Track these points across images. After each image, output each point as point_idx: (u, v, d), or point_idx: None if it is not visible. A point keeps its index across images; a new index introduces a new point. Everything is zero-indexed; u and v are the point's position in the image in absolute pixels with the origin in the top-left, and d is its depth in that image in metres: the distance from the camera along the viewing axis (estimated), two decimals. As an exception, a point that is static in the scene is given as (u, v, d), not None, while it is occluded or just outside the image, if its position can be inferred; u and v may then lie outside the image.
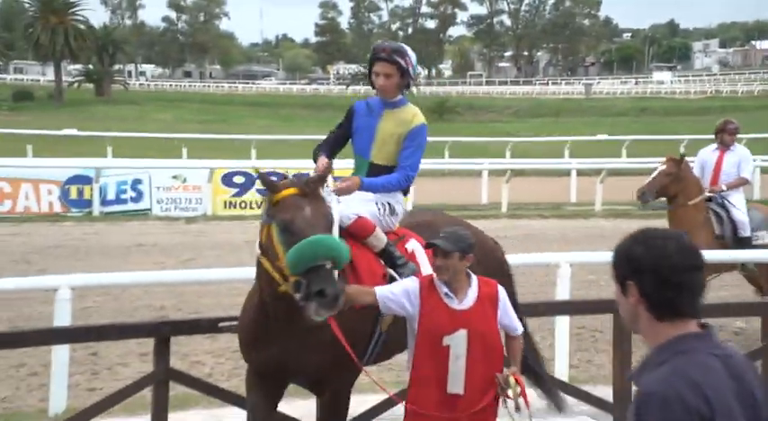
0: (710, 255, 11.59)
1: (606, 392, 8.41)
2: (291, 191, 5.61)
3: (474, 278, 5.81)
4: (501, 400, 5.81)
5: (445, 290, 5.71)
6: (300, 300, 5.30)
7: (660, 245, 3.38)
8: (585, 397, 8.37)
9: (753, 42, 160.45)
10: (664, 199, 12.41)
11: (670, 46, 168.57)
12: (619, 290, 3.47)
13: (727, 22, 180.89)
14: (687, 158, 12.83)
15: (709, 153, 12.96)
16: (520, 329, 6.01)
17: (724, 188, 12.42)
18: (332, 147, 6.77)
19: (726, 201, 12.36)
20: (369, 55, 6.93)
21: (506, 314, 5.88)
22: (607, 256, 11.62)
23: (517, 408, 5.73)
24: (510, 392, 5.68)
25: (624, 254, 3.47)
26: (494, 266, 6.89)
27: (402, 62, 6.57)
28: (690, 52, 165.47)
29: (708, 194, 12.40)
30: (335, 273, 5.35)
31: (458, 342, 5.63)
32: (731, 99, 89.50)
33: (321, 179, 5.89)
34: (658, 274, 3.30)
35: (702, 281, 3.42)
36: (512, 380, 5.69)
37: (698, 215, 12.13)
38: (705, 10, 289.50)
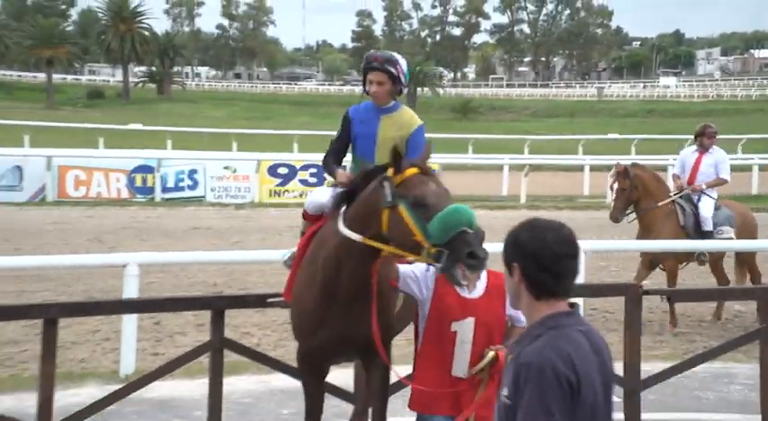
0: (674, 245, 11.98)
1: (616, 367, 8.22)
2: (414, 170, 5.38)
3: (484, 271, 5.49)
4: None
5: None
6: (442, 269, 5.07)
7: (542, 234, 3.53)
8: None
9: (751, 51, 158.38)
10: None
11: (675, 54, 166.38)
12: (506, 270, 3.59)
13: (728, 32, 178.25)
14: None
15: (689, 154, 13.04)
16: (522, 321, 5.40)
17: (704, 187, 12.50)
18: (339, 158, 6.58)
19: (695, 199, 12.51)
20: (362, 64, 6.75)
21: (508, 309, 5.57)
22: (617, 245, 11.73)
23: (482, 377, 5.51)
24: (483, 363, 5.45)
25: (512, 239, 3.60)
26: None
27: (393, 70, 6.43)
28: (693, 59, 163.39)
29: (683, 192, 12.54)
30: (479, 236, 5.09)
31: (465, 328, 5.47)
32: (731, 102, 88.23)
33: (425, 157, 5.65)
34: (538, 259, 3.46)
35: (575, 267, 3.55)
36: (492, 354, 5.43)
37: (665, 210, 12.28)
38: (708, 21, 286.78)
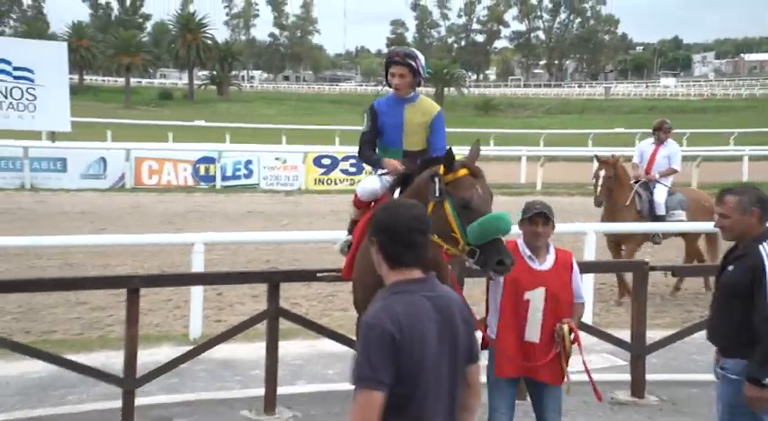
0: (633, 227, 12.04)
1: (624, 334, 8.29)
2: (464, 171, 5.37)
3: (552, 246, 5.62)
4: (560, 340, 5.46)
5: (528, 253, 5.52)
6: (474, 264, 5.18)
7: (395, 212, 3.68)
8: (607, 337, 8.26)
9: (742, 55, 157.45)
10: None
11: (674, 57, 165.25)
12: (370, 242, 3.71)
13: (722, 38, 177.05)
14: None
15: (647, 145, 13.23)
16: (583, 298, 5.76)
17: (657, 176, 12.63)
18: (374, 148, 6.46)
19: (651, 187, 12.60)
20: (384, 60, 6.67)
21: (576, 282, 5.65)
22: (623, 227, 11.51)
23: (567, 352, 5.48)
24: (565, 340, 5.44)
25: (373, 216, 3.81)
26: None
27: (413, 64, 6.35)
28: (690, 62, 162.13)
29: (641, 181, 12.63)
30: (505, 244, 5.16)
31: (537, 297, 5.43)
32: (723, 101, 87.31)
33: (475, 157, 5.65)
34: (390, 234, 3.58)
35: (424, 241, 3.64)
36: (566, 328, 5.43)
37: (627, 202, 12.31)
38: (704, 28, 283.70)
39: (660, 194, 12.54)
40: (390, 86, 6.43)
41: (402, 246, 3.62)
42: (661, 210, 12.39)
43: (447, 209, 5.27)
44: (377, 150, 6.45)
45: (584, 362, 5.62)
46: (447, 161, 5.38)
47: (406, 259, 3.63)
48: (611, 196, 12.47)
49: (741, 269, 5.15)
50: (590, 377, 5.63)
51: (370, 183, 6.38)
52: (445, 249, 5.37)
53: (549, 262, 5.56)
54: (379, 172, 6.34)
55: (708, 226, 11.48)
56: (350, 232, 6.47)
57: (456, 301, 3.71)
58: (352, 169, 26.02)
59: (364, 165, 6.67)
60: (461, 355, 3.66)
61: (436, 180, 5.35)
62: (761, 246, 5.08)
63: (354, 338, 6.66)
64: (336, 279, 6.60)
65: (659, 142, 13.03)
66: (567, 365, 5.51)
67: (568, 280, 5.58)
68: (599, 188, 12.53)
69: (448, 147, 5.56)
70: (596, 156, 13.91)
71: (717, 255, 12.11)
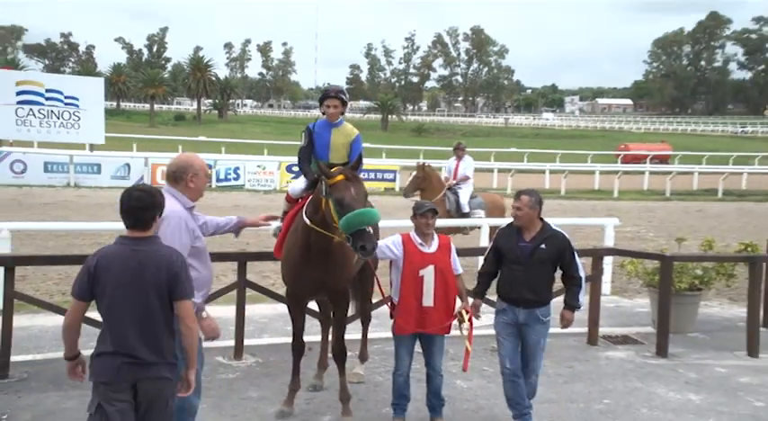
0: (445, 222, 11.50)
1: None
2: (341, 177, 5.24)
3: (435, 234, 5.60)
4: (457, 323, 5.56)
5: (419, 240, 5.49)
6: (351, 248, 5.08)
7: (126, 193, 4.03)
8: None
9: (596, 99, 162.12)
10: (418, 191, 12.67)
11: (552, 99, 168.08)
12: None
13: (584, 87, 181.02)
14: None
15: (451, 161, 13.32)
16: (460, 271, 5.66)
17: (453, 183, 12.80)
18: (309, 160, 6.19)
19: (457, 190, 12.69)
20: (320, 94, 6.37)
21: (454, 259, 5.61)
22: (443, 222, 10.86)
23: (462, 333, 5.59)
24: (463, 322, 5.53)
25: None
26: None
27: (343, 98, 6.22)
28: (563, 103, 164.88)
29: (447, 187, 12.67)
30: (372, 232, 5.10)
31: (428, 272, 5.41)
32: (584, 130, 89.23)
33: (355, 168, 5.47)
34: (120, 206, 3.96)
35: (139, 213, 3.92)
36: (464, 312, 5.52)
37: (439, 199, 12.23)
38: (572, 78, 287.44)
39: (464, 197, 12.64)
40: (324, 114, 6.27)
41: (124, 215, 3.94)
42: (466, 209, 12.51)
43: (330, 204, 5.25)
44: (312, 162, 6.26)
45: (469, 336, 5.60)
46: (320, 169, 5.42)
47: (126, 223, 3.95)
48: (424, 195, 12.35)
49: (553, 245, 5.58)
50: (470, 339, 5.61)
51: (298, 184, 6.29)
52: (332, 236, 5.32)
53: (434, 246, 5.56)
54: (304, 181, 6.20)
55: (500, 221, 11.43)
56: (281, 220, 6.34)
57: (161, 257, 3.90)
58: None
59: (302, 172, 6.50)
60: (151, 291, 3.82)
61: (322, 183, 5.35)
62: (558, 229, 5.66)
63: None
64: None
65: (458, 158, 13.18)
66: (471, 336, 5.59)
67: (449, 258, 5.59)
68: (408, 183, 12.97)
69: (323, 163, 5.59)
70: (417, 162, 13.94)
71: None
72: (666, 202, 27.86)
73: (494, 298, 6.00)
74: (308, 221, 5.51)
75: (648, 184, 32.32)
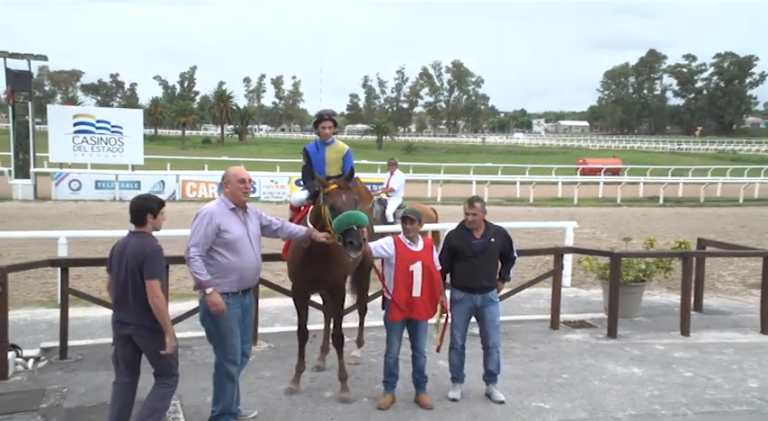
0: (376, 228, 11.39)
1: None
2: (334, 187, 5.30)
3: (419, 236, 5.60)
4: (437, 315, 5.62)
5: (407, 241, 5.50)
6: (344, 247, 5.10)
7: (135, 199, 4.67)
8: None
9: (560, 121, 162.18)
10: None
11: (522, 121, 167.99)
12: None
13: (549, 110, 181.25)
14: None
15: (387, 176, 12.92)
16: (439, 267, 5.65)
17: (380, 192, 12.45)
18: (311, 174, 6.05)
19: (386, 201, 12.08)
20: (315, 118, 6.29)
21: (435, 256, 5.64)
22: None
23: (437, 325, 5.67)
24: (440, 314, 5.62)
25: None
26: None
27: (335, 119, 6.25)
28: (531, 124, 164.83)
29: (377, 198, 11.88)
30: (359, 231, 5.08)
31: (417, 267, 5.44)
32: (549, 148, 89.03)
33: (348, 179, 5.42)
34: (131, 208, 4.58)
35: (137, 215, 4.54)
36: (440, 306, 5.60)
37: (366, 209, 11.85)
38: (539, 103, 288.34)
39: (391, 207, 11.98)
40: (319, 134, 6.25)
41: (129, 214, 4.55)
42: (390, 219, 11.80)
43: (326, 210, 5.31)
44: (313, 177, 6.16)
45: (444, 323, 5.67)
46: (319, 180, 5.53)
47: (131, 220, 4.58)
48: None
49: (500, 239, 5.84)
50: (443, 333, 5.68)
51: (300, 195, 6.31)
52: (329, 238, 5.30)
53: (420, 245, 5.58)
54: (306, 192, 6.20)
55: (430, 226, 11.41)
56: None
57: (140, 247, 4.47)
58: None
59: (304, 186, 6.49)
60: (129, 271, 4.45)
61: (320, 192, 5.45)
62: (498, 224, 5.97)
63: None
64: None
65: (391, 173, 12.79)
66: (443, 327, 5.67)
67: (432, 255, 5.62)
68: None
69: (320, 176, 5.64)
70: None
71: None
72: (618, 208, 27.90)
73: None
74: (310, 226, 5.52)
75: (603, 193, 32.36)
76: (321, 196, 5.40)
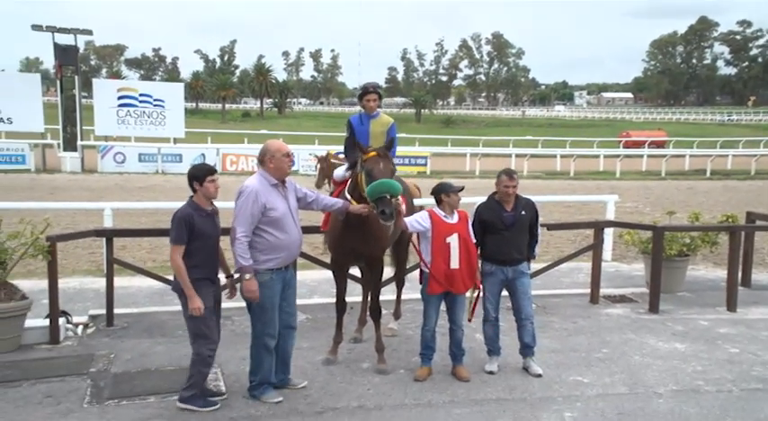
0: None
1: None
2: (373, 154, 5.27)
3: (454, 208, 5.52)
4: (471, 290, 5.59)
5: (442, 213, 5.46)
6: (377, 216, 5.06)
7: (193, 166, 5.05)
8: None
9: (602, 93, 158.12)
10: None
11: (563, 93, 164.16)
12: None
13: (591, 82, 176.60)
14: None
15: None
16: (474, 240, 5.56)
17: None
18: (354, 147, 5.81)
19: None
20: (360, 90, 6.27)
21: (470, 229, 5.56)
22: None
23: (470, 300, 5.61)
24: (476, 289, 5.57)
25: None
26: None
27: (380, 92, 6.22)
28: (573, 96, 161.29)
29: None
30: (392, 200, 5.03)
31: (454, 239, 5.39)
32: (591, 121, 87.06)
33: (387, 148, 5.37)
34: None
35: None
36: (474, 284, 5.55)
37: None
38: (581, 75, 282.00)
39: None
40: (363, 107, 6.23)
41: (197, 180, 4.81)
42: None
43: (362, 176, 5.29)
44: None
45: (477, 295, 5.64)
46: (361, 148, 5.46)
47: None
48: (326, 178, 11.50)
49: (530, 210, 5.81)
50: (475, 304, 5.64)
51: (340, 170, 6.29)
52: (366, 208, 5.26)
53: (455, 217, 5.54)
54: (345, 166, 6.17)
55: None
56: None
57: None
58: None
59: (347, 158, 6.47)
60: (218, 231, 4.87)
61: (359, 159, 5.40)
62: (529, 198, 5.91)
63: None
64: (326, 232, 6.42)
65: None
66: (475, 302, 5.61)
67: (467, 227, 5.58)
68: (317, 176, 12.11)
69: (355, 142, 5.64)
70: (316, 155, 11.90)
71: None
72: (662, 181, 27.27)
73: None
74: (348, 196, 5.52)
75: (646, 166, 31.68)
76: (359, 163, 5.38)
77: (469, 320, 5.72)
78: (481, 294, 5.69)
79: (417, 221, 5.52)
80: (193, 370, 4.84)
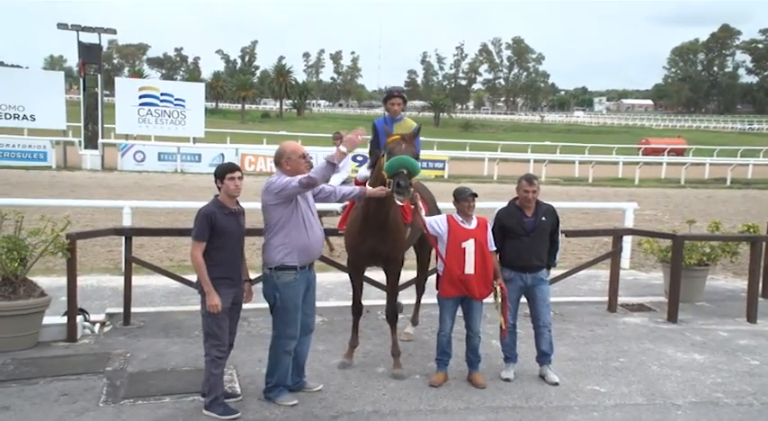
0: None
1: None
2: (398, 137, 5.32)
3: (474, 214, 5.51)
4: (492, 295, 5.51)
5: (460, 218, 5.44)
6: (392, 192, 5.04)
7: (219, 166, 4.98)
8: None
9: (622, 100, 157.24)
10: None
11: (582, 99, 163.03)
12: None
13: (611, 88, 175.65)
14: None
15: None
16: (494, 247, 5.53)
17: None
18: (377, 151, 5.93)
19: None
20: (385, 94, 6.33)
21: (490, 236, 5.50)
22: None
23: (497, 307, 5.52)
24: (497, 295, 5.47)
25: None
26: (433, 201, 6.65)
27: (404, 96, 6.26)
28: (592, 102, 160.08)
29: None
30: (408, 176, 5.01)
31: (469, 245, 5.36)
32: (610, 127, 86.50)
33: (413, 136, 5.41)
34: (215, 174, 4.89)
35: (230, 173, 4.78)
36: (498, 288, 5.47)
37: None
38: (600, 81, 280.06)
39: (334, 180, 10.67)
40: (388, 111, 6.24)
41: (219, 178, 4.79)
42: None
43: (383, 160, 5.32)
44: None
45: (505, 307, 5.54)
46: (386, 132, 5.56)
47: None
48: None
49: (551, 216, 5.77)
50: (505, 314, 5.56)
51: (363, 171, 6.35)
52: (384, 190, 5.22)
53: (474, 223, 5.49)
54: (367, 164, 6.23)
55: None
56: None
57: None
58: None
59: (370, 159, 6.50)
60: (242, 230, 4.90)
61: (384, 142, 5.46)
62: (550, 204, 5.86)
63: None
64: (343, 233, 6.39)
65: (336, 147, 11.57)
66: (504, 307, 5.51)
67: (486, 234, 5.52)
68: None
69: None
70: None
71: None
72: (681, 190, 26.97)
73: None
74: (368, 188, 5.49)
75: (666, 174, 31.38)
76: (384, 148, 5.39)
77: (503, 334, 5.64)
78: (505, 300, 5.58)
79: (436, 222, 5.51)
80: (206, 372, 4.84)
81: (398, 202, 5.13)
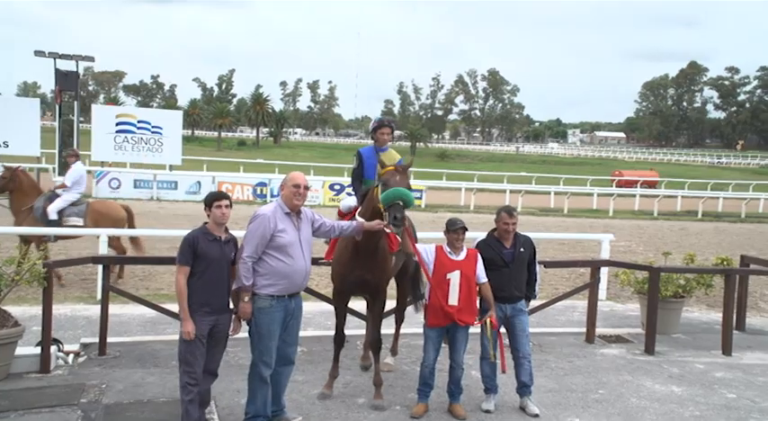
0: (30, 231, 9.91)
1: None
2: (391, 168, 5.35)
3: (465, 247, 5.55)
4: (481, 326, 5.54)
5: (449, 249, 5.47)
6: (388, 224, 5.11)
7: (209, 194, 5.04)
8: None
9: (595, 132, 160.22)
10: None
11: (557, 131, 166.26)
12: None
13: (584, 121, 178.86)
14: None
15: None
16: (484, 279, 5.54)
17: (55, 190, 10.54)
18: (360, 180, 6.26)
19: (53, 198, 10.37)
20: (375, 123, 6.32)
21: (480, 268, 5.52)
22: (23, 230, 10.30)
23: (488, 340, 5.53)
24: (488, 328, 5.52)
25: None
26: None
27: (394, 126, 6.35)
28: (567, 134, 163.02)
29: (47, 192, 10.50)
30: (403, 208, 5.11)
31: (455, 276, 5.38)
32: (583, 158, 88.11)
33: (406, 167, 5.47)
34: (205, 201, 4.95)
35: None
36: (489, 322, 5.50)
37: (24, 207, 10.27)
38: (575, 114, 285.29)
39: (56, 205, 10.24)
40: (377, 140, 6.29)
41: (207, 206, 4.90)
42: (52, 216, 10.13)
43: (377, 190, 5.38)
44: (362, 182, 6.30)
45: (500, 342, 5.61)
46: (380, 162, 5.61)
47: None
48: (15, 198, 10.32)
49: (528, 247, 5.86)
50: (502, 351, 5.62)
51: (348, 201, 6.34)
52: (381, 223, 5.28)
53: (462, 254, 5.52)
54: (348, 193, 6.33)
55: (96, 231, 9.80)
56: None
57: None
58: (351, 192, 25.76)
59: (353, 191, 6.56)
60: (227, 259, 4.87)
61: (377, 173, 5.53)
62: (527, 235, 5.95)
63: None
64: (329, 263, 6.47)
65: (69, 166, 10.78)
66: (502, 348, 5.61)
67: (474, 266, 5.53)
68: None
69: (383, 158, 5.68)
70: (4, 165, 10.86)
71: (142, 252, 10.64)
72: (654, 221, 27.41)
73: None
74: (359, 219, 5.53)
75: (639, 205, 31.85)
76: (377, 179, 5.48)
77: (503, 370, 5.65)
78: (490, 332, 5.59)
79: (425, 250, 5.57)
80: (182, 403, 4.79)
81: (394, 231, 5.22)
